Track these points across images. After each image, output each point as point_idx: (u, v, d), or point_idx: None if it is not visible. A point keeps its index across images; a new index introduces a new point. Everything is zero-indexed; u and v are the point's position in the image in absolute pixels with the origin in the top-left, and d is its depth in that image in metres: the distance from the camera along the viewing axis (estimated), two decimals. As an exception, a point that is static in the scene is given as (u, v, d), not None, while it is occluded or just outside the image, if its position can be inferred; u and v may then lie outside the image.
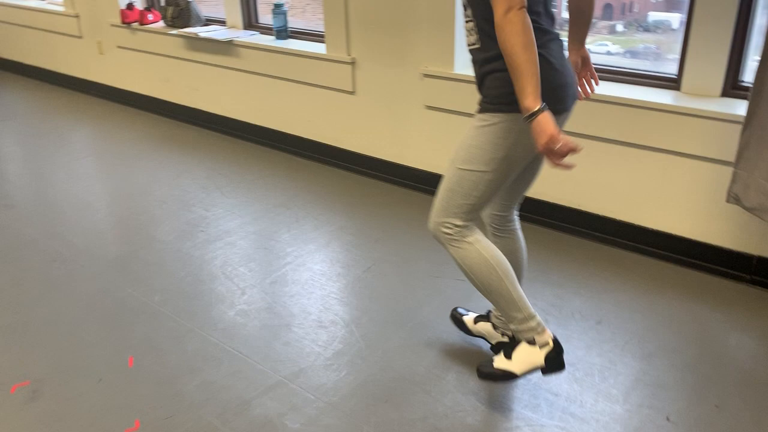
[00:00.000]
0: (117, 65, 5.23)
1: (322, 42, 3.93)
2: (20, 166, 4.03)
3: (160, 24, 4.76)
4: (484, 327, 2.17)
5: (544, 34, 1.67)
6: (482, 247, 1.78)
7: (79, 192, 3.62)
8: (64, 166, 4.01)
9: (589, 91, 2.02)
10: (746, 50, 2.50)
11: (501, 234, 2.01)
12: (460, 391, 2.03)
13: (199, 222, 3.23)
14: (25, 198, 3.55)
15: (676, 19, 2.92)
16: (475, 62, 1.74)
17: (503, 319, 2.02)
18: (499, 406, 1.98)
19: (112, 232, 3.15)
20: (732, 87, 2.56)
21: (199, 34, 4.26)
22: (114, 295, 2.61)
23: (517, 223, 2.03)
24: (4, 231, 3.16)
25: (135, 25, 4.84)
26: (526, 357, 1.82)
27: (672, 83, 2.73)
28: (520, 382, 2.06)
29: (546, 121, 1.53)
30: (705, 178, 2.60)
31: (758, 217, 2.38)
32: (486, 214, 2.02)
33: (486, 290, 1.80)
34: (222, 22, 4.55)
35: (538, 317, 1.83)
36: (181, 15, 4.52)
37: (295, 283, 2.67)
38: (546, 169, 3.02)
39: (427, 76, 3.27)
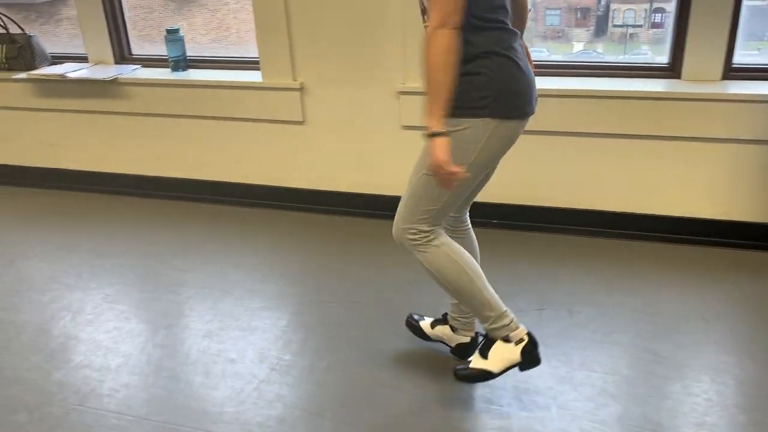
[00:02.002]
0: None
1: (237, 69, 3.37)
2: None
3: (-15, 68, 3.67)
4: (442, 330, 2.17)
5: (510, 34, 1.65)
6: (450, 250, 1.78)
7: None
8: None
9: None
10: (737, 33, 2.66)
11: (455, 235, 1.99)
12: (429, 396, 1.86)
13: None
14: None
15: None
16: None
17: (462, 319, 2.09)
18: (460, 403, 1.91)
19: None
20: (729, 70, 2.71)
21: (66, 74, 3.36)
22: None
23: (468, 223, 2.04)
24: None
25: (-58, 73, 3.68)
26: (503, 355, 1.85)
27: (667, 72, 2.81)
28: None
29: (443, 146, 1.58)
30: (727, 158, 2.73)
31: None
32: None
33: (457, 292, 1.82)
34: (78, 59, 3.66)
35: (511, 314, 1.84)
36: (21, 54, 3.54)
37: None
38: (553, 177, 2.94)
39: (404, 93, 2.96)
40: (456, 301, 2.10)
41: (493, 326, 1.84)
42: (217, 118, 3.33)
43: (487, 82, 1.61)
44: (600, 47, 3.28)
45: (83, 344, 2.34)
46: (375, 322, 2.40)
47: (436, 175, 1.62)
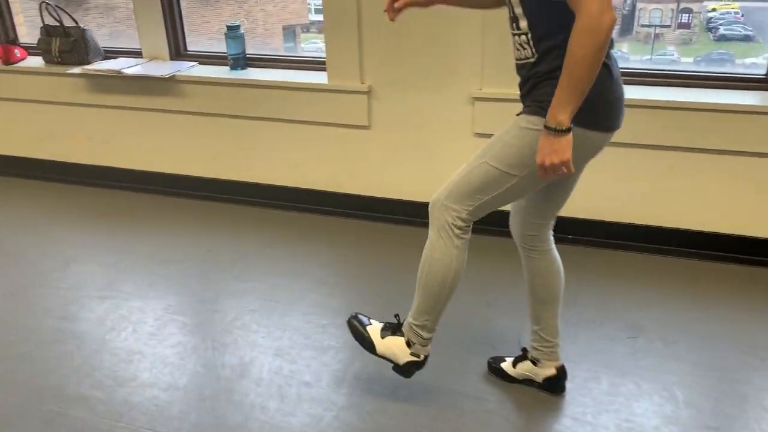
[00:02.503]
0: (-39, 121, 3.84)
1: (299, 69, 3.22)
2: None
3: (36, 61, 3.57)
4: (526, 368, 2.04)
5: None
6: (458, 258, 1.73)
7: None
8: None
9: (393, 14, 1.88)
10: None
11: (531, 254, 1.88)
12: None
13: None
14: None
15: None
16: (526, 77, 1.61)
17: (544, 348, 1.96)
18: None
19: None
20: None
21: (123, 71, 3.24)
22: None
23: (551, 244, 1.89)
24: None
25: (-7, 65, 3.58)
26: (394, 348, 1.86)
27: (760, 84, 2.62)
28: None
29: (568, 143, 1.47)
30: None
31: None
32: (515, 233, 1.90)
33: (424, 286, 1.78)
34: (132, 53, 3.54)
35: (432, 336, 1.85)
36: (74, 48, 3.42)
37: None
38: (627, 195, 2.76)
39: (479, 99, 2.80)
40: (537, 328, 1.94)
41: (414, 326, 1.83)
42: (277, 120, 3.19)
43: None
44: (625, 47, 3.17)
45: (147, 360, 2.21)
46: (454, 339, 2.25)
47: (549, 173, 1.51)
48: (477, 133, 2.88)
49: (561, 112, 1.45)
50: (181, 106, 3.32)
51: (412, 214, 3.10)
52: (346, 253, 2.91)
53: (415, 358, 1.86)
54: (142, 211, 3.37)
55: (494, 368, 2.11)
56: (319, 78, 3.07)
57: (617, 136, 1.65)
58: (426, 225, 1.76)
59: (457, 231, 1.70)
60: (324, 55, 3.00)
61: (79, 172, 3.70)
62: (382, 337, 1.88)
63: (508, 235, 1.95)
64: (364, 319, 1.94)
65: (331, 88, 3.01)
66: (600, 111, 1.54)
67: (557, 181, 1.69)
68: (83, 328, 2.39)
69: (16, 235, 3.13)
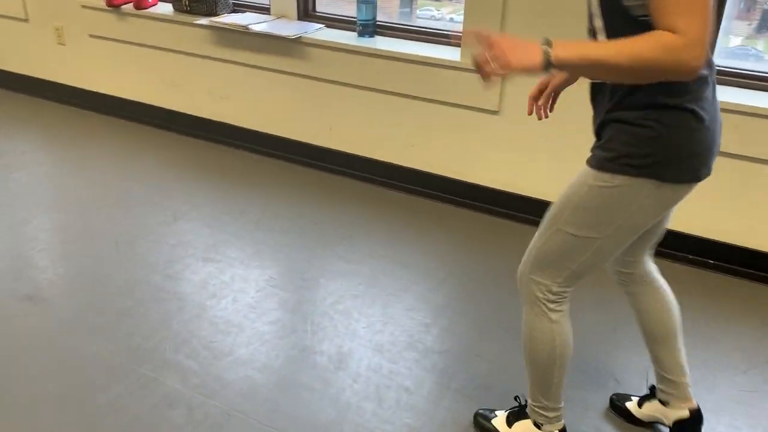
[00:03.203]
0: (89, 61, 3.92)
1: (430, 42, 3.01)
2: None
3: (166, 9, 3.55)
4: (653, 408, 1.80)
5: (704, 84, 1.28)
6: (559, 331, 1.53)
7: (55, 250, 2.49)
8: (14, 218, 2.81)
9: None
10: None
11: (631, 290, 1.69)
12: None
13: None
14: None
15: None
16: (601, 90, 1.37)
17: (674, 391, 1.73)
18: None
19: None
20: None
21: (250, 26, 3.15)
22: None
23: (653, 275, 1.67)
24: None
25: (126, 8, 3.60)
26: None
27: None
28: None
29: (534, 65, 1.18)
30: None
31: None
32: (609, 269, 1.71)
33: (532, 366, 1.60)
34: (260, 9, 3.44)
35: (561, 411, 1.65)
36: (205, -1, 3.37)
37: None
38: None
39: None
40: (658, 368, 1.72)
41: (536, 408, 1.65)
42: (400, 94, 3.00)
43: (655, 140, 1.28)
44: (760, 44, 2.79)
45: (245, 334, 2.13)
46: (573, 365, 2.02)
47: (487, 67, 1.18)
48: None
49: (568, 52, 1.19)
50: (304, 69, 3.20)
51: (537, 214, 2.85)
52: (457, 246, 2.72)
53: None
54: (251, 173, 3.31)
55: (617, 407, 1.89)
56: (450, 54, 2.85)
57: None
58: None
59: (550, 305, 1.51)
60: (456, 27, 2.77)
61: (196, 125, 3.69)
62: (509, 426, 1.73)
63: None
64: (488, 413, 1.81)
65: (462, 66, 2.79)
66: (677, 164, 1.30)
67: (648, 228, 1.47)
68: (185, 290, 2.34)
69: (127, 180, 3.15)
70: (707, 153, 1.32)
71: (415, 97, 2.97)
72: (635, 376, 2.01)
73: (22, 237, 2.63)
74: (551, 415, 1.64)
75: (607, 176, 1.34)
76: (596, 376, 2.01)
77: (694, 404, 1.74)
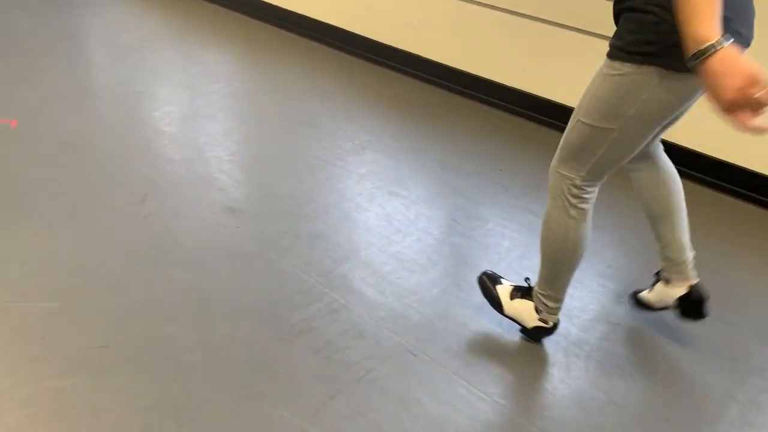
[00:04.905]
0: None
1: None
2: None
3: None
4: (660, 290, 1.85)
5: None
6: (575, 229, 1.60)
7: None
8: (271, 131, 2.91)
9: None
10: None
11: (633, 167, 1.74)
12: None
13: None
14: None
15: None
16: None
17: (674, 268, 1.78)
18: None
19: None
20: None
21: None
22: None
23: (659, 152, 1.74)
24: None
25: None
26: (522, 311, 1.82)
27: None
28: None
29: (734, 57, 1.06)
30: None
31: None
32: None
33: (543, 256, 1.70)
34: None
35: (561, 305, 1.77)
36: None
37: None
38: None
39: None
40: (661, 247, 1.78)
41: (539, 294, 1.77)
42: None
43: (657, 26, 1.27)
44: None
45: (429, 276, 2.11)
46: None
47: (737, 107, 1.07)
48: None
49: (697, 25, 1.10)
50: (507, 3, 3.02)
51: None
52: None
53: (543, 324, 1.80)
54: (438, 109, 3.25)
55: (637, 301, 1.95)
56: None
57: None
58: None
59: (572, 199, 1.57)
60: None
61: (385, 53, 3.65)
62: (511, 299, 1.84)
63: None
64: (496, 276, 1.91)
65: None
66: (681, 52, 1.16)
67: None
68: (373, 221, 2.36)
69: (315, 102, 3.20)
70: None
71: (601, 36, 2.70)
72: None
73: (223, 149, 2.77)
74: (551, 305, 1.76)
75: (617, 64, 1.37)
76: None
77: (693, 280, 1.78)
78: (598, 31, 2.75)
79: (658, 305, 1.88)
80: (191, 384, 1.68)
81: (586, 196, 1.58)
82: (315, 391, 1.68)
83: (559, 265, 1.68)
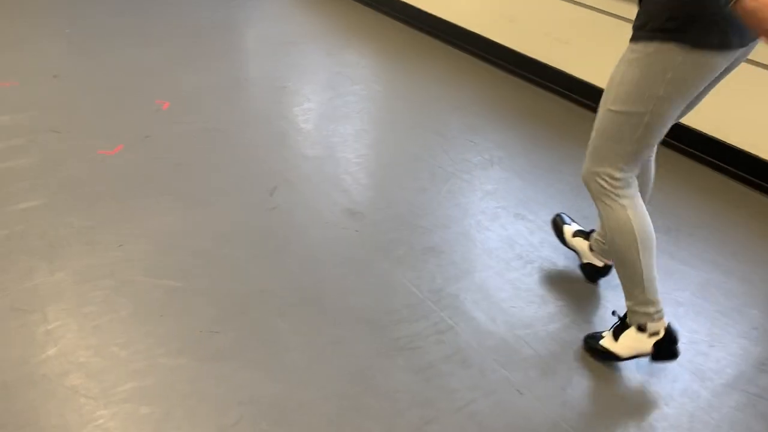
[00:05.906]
0: (437, -15, 3.94)
1: None
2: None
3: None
4: (580, 243, 2.06)
5: None
6: (634, 213, 1.59)
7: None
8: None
9: None
10: None
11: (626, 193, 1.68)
12: None
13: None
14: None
15: None
16: None
17: (603, 246, 1.93)
18: None
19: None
20: None
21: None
22: None
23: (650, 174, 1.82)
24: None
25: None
26: (633, 343, 1.70)
27: None
28: None
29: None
30: None
31: None
32: None
33: (618, 260, 1.65)
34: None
35: (661, 305, 1.66)
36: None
37: None
38: None
39: None
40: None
41: (635, 308, 1.68)
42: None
43: (675, 2, 1.33)
44: None
45: (547, 309, 1.99)
46: None
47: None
48: None
49: None
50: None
51: None
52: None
53: (655, 338, 1.68)
54: (577, 128, 3.07)
55: (557, 224, 2.17)
56: None
57: None
58: None
59: (618, 191, 1.58)
60: None
61: (524, 65, 3.52)
62: (617, 340, 1.73)
63: None
64: (597, 335, 1.81)
65: None
66: (702, 26, 1.32)
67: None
68: (492, 243, 2.27)
69: (447, 110, 3.14)
70: (738, 19, 1.25)
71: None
72: None
73: (352, 151, 2.78)
74: (650, 309, 1.65)
75: (640, 46, 1.41)
76: None
77: (609, 263, 1.97)
78: None
79: (568, 245, 1.96)
80: (290, 384, 1.68)
81: (629, 180, 1.59)
82: (411, 413, 1.62)
83: (635, 260, 1.61)
